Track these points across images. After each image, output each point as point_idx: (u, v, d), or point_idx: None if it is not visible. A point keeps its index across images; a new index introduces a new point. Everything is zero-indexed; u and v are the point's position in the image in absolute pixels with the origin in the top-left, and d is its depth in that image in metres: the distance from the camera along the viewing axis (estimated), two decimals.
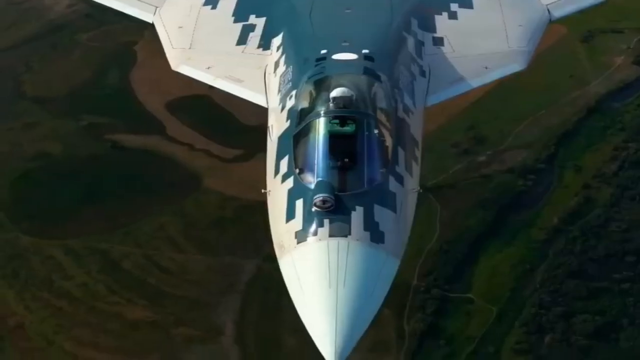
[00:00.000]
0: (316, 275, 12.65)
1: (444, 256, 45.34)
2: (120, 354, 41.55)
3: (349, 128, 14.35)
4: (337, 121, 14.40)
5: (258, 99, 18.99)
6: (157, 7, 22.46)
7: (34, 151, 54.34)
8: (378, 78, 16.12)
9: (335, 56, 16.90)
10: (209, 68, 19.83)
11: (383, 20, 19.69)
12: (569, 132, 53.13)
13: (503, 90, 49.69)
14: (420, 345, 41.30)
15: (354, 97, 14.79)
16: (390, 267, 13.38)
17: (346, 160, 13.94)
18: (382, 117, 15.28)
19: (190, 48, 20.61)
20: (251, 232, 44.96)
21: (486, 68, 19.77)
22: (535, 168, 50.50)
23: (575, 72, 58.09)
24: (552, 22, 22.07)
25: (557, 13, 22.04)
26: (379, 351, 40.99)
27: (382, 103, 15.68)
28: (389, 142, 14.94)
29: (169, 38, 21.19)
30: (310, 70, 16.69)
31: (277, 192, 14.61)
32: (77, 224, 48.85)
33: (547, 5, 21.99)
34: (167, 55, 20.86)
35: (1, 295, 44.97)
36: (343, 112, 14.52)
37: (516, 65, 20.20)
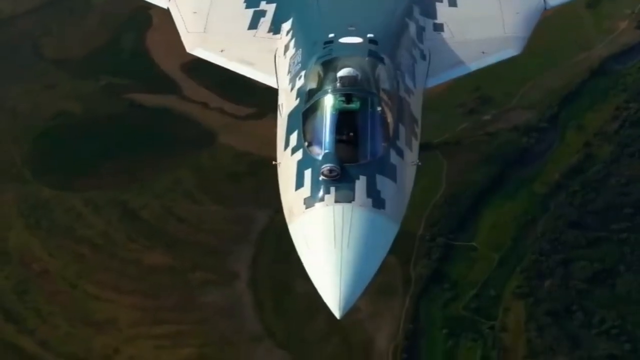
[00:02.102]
0: (322, 236, 13.77)
1: (449, 208, 47.12)
2: (140, 296, 43.70)
3: (354, 105, 15.40)
4: (343, 99, 15.45)
5: (269, 80, 19.88)
6: None
7: (54, 110, 56.21)
8: (381, 60, 17.03)
9: (342, 39, 17.83)
10: (222, 51, 20.74)
11: (387, 6, 20.59)
12: (572, 93, 54.51)
13: None
14: (426, 289, 43.24)
15: (359, 77, 15.82)
16: (390, 231, 14.49)
17: (351, 134, 15.03)
18: (384, 96, 16.25)
19: (204, 32, 21.51)
20: (264, 185, 46.67)
21: (483, 53, 20.63)
22: (539, 127, 52.01)
23: (580, 36, 59.24)
24: (547, 10, 22.94)
25: (553, 1, 22.83)
26: (386, 295, 42.95)
27: (384, 83, 16.64)
28: (390, 118, 15.94)
29: (184, 22, 22.03)
30: (318, 53, 17.57)
31: (287, 163, 15.67)
32: (96, 178, 50.88)
33: None
34: (183, 38, 21.73)
35: (25, 243, 47.16)
36: (348, 90, 15.54)
37: (512, 50, 21.24)
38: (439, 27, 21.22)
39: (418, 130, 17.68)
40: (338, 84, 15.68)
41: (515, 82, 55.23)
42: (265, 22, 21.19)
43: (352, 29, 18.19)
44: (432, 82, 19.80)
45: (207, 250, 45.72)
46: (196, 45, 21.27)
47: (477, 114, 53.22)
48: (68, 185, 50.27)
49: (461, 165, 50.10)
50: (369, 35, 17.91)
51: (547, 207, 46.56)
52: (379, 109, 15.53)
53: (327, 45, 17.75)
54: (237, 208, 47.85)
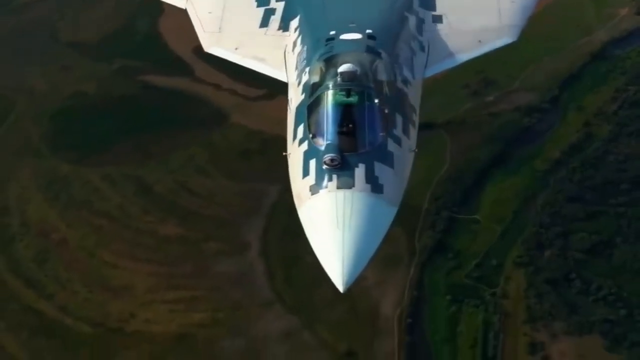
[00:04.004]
0: (326, 219, 15.00)
1: (453, 184, 48.80)
2: (155, 264, 45.50)
3: (353, 98, 16.39)
4: (343, 93, 16.46)
5: (279, 75, 20.84)
6: None
7: (71, 91, 58.12)
8: (379, 55, 18.01)
9: (343, 36, 18.84)
10: (236, 49, 21.73)
11: (386, 2, 21.41)
12: (573, 76, 56.07)
13: None
14: (430, 259, 44.93)
15: (358, 72, 16.77)
16: (388, 213, 15.62)
17: (351, 125, 16.08)
18: (382, 89, 17.24)
19: (219, 31, 22.43)
20: (275, 162, 48.31)
21: (480, 42, 21.15)
22: (541, 108, 53.64)
23: (582, 22, 60.73)
24: None
25: None
26: (392, 264, 44.62)
27: (382, 76, 17.55)
28: (388, 109, 16.89)
29: (201, 22, 22.98)
30: (321, 49, 18.54)
31: (295, 154, 16.75)
32: (112, 154, 52.74)
33: None
34: (200, 37, 22.70)
35: (44, 215, 49.04)
36: (348, 85, 16.52)
37: (507, 39, 21.49)
38: (437, 19, 21.77)
39: (416, 118, 18.64)
40: (339, 79, 16.66)
41: (518, 66, 56.76)
42: (275, 20, 22.11)
43: (353, 25, 19.23)
44: (431, 72, 20.55)
45: (220, 222, 47.45)
46: (212, 44, 22.31)
47: (481, 96, 54.89)
48: (85, 161, 52.16)
49: (465, 143, 51.73)
50: (367, 31, 18.90)
51: (547, 182, 48.20)
52: (376, 101, 16.58)
53: (328, 42, 18.78)
54: (249, 183, 49.53)
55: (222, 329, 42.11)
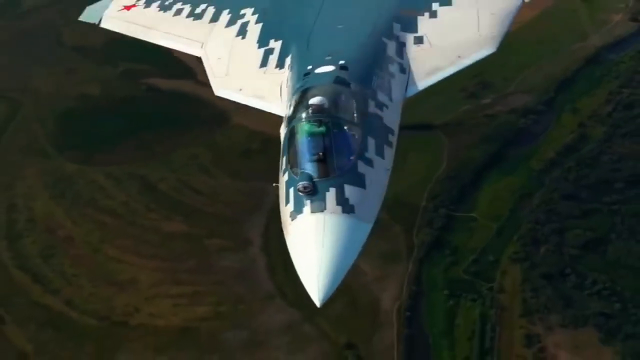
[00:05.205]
0: (304, 241, 16.10)
1: (451, 182, 49.85)
2: (159, 260, 46.50)
3: (322, 128, 17.37)
4: (316, 123, 17.48)
5: (277, 110, 21.43)
6: (202, 42, 25.15)
7: (76, 93, 59.42)
8: (348, 85, 18.87)
9: (318, 69, 19.77)
10: (240, 90, 22.62)
11: (364, 31, 22.03)
12: (568, 79, 57.25)
13: (508, 42, 53.69)
14: (428, 255, 45.87)
15: (326, 104, 17.83)
16: (362, 230, 16.60)
17: (321, 153, 17.01)
18: (352, 116, 18.18)
19: (226, 75, 23.33)
20: (276, 161, 49.44)
21: (459, 57, 21.35)
22: (536, 110, 54.78)
23: (576, 28, 62.03)
24: (525, 3, 23.40)
25: None
26: (391, 260, 45.64)
27: (351, 105, 18.45)
28: (358, 134, 17.82)
29: (211, 68, 23.90)
30: (299, 83, 19.61)
31: (281, 184, 17.75)
32: (116, 154, 53.94)
33: None
34: (211, 82, 23.59)
35: (51, 212, 50.14)
36: (317, 117, 17.57)
37: (487, 50, 21.58)
38: (418, 40, 22.14)
39: (394, 138, 19.37)
40: (310, 112, 17.70)
41: (514, 69, 58.02)
42: (273, 58, 22.85)
43: (329, 58, 20.17)
44: (412, 92, 21.06)
45: (223, 220, 48.50)
46: (220, 87, 23.16)
47: (478, 98, 56.04)
48: (90, 161, 53.37)
49: (462, 144, 52.82)
50: (340, 62, 19.76)
51: (543, 181, 49.19)
52: (346, 128, 17.70)
53: (305, 76, 19.81)
54: (250, 182, 50.52)
55: (225, 322, 43.03)
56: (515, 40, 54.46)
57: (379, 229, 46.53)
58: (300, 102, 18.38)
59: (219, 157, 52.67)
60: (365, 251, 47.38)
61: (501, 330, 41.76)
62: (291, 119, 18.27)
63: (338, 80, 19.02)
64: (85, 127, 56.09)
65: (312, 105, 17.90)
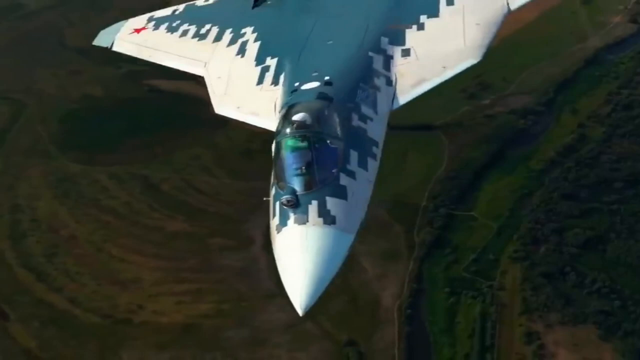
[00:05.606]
0: (288, 253, 16.77)
1: (451, 182, 50.23)
2: (162, 259, 46.89)
3: (304, 144, 17.89)
4: (299, 139, 18.00)
5: (273, 127, 21.27)
6: (206, 61, 25.67)
7: (79, 94, 59.91)
8: (330, 100, 19.27)
9: (304, 86, 20.36)
10: (238, 108, 23.10)
11: (351, 46, 22.42)
12: (568, 80, 57.68)
13: (509, 43, 54.33)
14: (429, 254, 46.21)
15: (308, 120, 18.25)
16: (344, 240, 17.14)
17: (303, 168, 17.59)
18: (334, 130, 18.61)
19: (225, 94, 23.89)
20: None
21: (444, 67, 21.54)
22: (536, 110, 55.23)
23: (576, 29, 62.46)
24: (511, 13, 23.43)
25: (515, 4, 23.24)
26: (392, 259, 46.01)
27: (334, 119, 18.84)
28: (340, 148, 18.29)
29: (212, 87, 24.51)
30: (286, 100, 20.30)
31: (271, 198, 18.48)
32: (119, 154, 54.37)
33: None
34: (212, 100, 24.21)
35: (54, 212, 50.57)
36: (299, 132, 18.04)
37: (471, 60, 21.70)
38: (406, 53, 22.33)
39: (378, 150, 19.70)
40: (294, 127, 18.15)
41: (514, 70, 58.53)
42: (269, 76, 23.17)
43: (315, 74, 20.75)
44: (397, 104, 21.26)
45: (225, 219, 48.89)
46: (219, 105, 23.81)
47: (478, 99, 56.42)
48: (93, 161, 53.81)
49: (462, 144, 53.23)
50: (326, 78, 20.34)
51: (542, 181, 49.57)
52: (328, 142, 18.15)
53: (292, 92, 20.43)
54: (252, 182, 50.66)
55: (228, 319, 43.39)
56: (515, 42, 55.19)
57: (379, 228, 46.97)
58: (286, 118, 18.77)
59: (220, 157, 53.15)
60: (367, 250, 48.23)
61: (501, 328, 42.10)
62: (277, 134, 18.79)
63: (321, 96, 19.50)
64: (88, 128, 56.53)
65: (295, 121, 18.29)
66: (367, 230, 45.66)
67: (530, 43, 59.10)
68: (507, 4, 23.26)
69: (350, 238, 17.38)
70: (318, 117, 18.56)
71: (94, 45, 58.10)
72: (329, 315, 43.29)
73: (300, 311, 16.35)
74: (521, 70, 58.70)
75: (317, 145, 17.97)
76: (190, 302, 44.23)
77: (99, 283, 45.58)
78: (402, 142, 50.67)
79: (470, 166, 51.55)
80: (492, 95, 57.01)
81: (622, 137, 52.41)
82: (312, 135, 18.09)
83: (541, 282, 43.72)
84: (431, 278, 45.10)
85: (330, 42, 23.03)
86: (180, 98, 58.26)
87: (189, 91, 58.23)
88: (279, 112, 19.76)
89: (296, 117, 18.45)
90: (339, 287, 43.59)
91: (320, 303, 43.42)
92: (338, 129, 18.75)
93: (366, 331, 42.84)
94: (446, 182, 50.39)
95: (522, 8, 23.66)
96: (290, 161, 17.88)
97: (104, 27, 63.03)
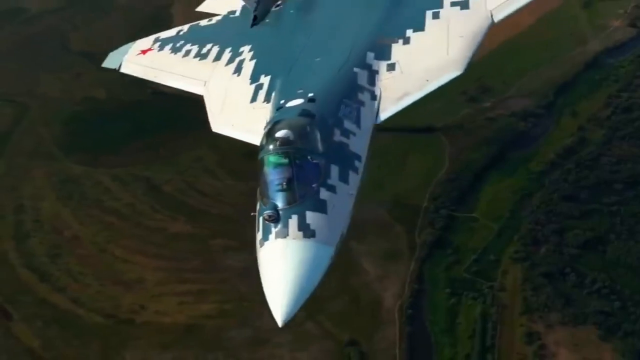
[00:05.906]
0: (269, 266, 17.20)
1: (452, 184, 50.54)
2: (164, 259, 47.19)
3: (285, 160, 18.29)
4: (282, 155, 18.38)
5: None
6: (205, 81, 25.99)
7: (82, 96, 60.28)
8: (312, 116, 19.53)
9: (289, 103, 20.65)
10: (232, 125, 23.50)
11: (336, 63, 22.47)
12: (568, 83, 57.92)
13: (509, 47, 54.90)
14: (430, 254, 46.51)
15: (290, 137, 18.58)
16: (324, 253, 17.55)
17: (284, 183, 18.04)
18: (315, 146, 18.87)
19: (221, 112, 24.24)
20: None
21: (427, 80, 21.58)
22: (536, 113, 55.50)
23: (576, 33, 62.74)
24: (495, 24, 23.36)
25: (499, 16, 23.21)
26: (393, 259, 46.28)
27: (315, 135, 19.06)
28: (321, 163, 18.64)
29: (210, 105, 24.79)
30: (271, 117, 20.60)
31: (256, 214, 18.72)
32: (122, 156, 54.68)
33: (491, 10, 23.36)
34: (209, 119, 24.47)
35: (57, 213, 50.88)
36: (281, 149, 18.39)
37: (453, 72, 21.77)
38: (391, 67, 22.41)
39: (360, 164, 19.97)
40: (277, 144, 18.48)
41: (514, 73, 58.84)
42: (262, 93, 23.41)
43: (300, 91, 20.99)
44: (382, 118, 21.42)
45: (227, 220, 49.10)
46: (216, 123, 24.17)
47: (478, 102, 56.70)
48: (96, 163, 54.17)
49: (463, 146, 53.52)
50: (309, 95, 20.60)
51: (543, 183, 49.89)
52: (309, 157, 18.49)
53: (278, 110, 20.73)
54: (254, 183, 50.82)
55: (230, 319, 43.72)
56: (516, 45, 55.54)
57: (381, 229, 47.22)
58: (269, 135, 19.04)
59: (223, 158, 53.34)
60: (368, 250, 48.48)
61: (502, 328, 42.41)
62: (260, 150, 19.13)
63: (304, 112, 19.77)
64: (91, 130, 56.87)
65: (277, 138, 18.61)
66: (368, 231, 46.12)
67: (530, 46, 59.51)
68: (491, 16, 23.22)
69: (330, 250, 17.75)
70: (300, 134, 18.86)
71: (97, 48, 59.01)
72: (331, 315, 43.58)
73: (279, 322, 16.67)
74: (521, 73, 59.00)
75: (297, 162, 18.32)
76: (193, 302, 44.51)
77: (101, 283, 45.85)
78: (404, 144, 51.12)
79: (471, 168, 51.83)
80: (492, 98, 57.30)
81: (621, 139, 52.72)
82: (293, 152, 18.44)
83: (541, 283, 44.01)
84: (432, 278, 45.37)
85: (318, 59, 23.24)
86: (183, 100, 57.85)
87: (191, 93, 58.53)
88: (264, 129, 19.91)
89: (279, 134, 18.77)
90: (341, 286, 43.91)
91: (322, 303, 43.86)
92: (320, 144, 19.04)
93: (367, 331, 43.10)
94: (447, 183, 50.68)
95: (507, 19, 23.45)
96: (272, 177, 18.30)
97: (107, 31, 64.03)
